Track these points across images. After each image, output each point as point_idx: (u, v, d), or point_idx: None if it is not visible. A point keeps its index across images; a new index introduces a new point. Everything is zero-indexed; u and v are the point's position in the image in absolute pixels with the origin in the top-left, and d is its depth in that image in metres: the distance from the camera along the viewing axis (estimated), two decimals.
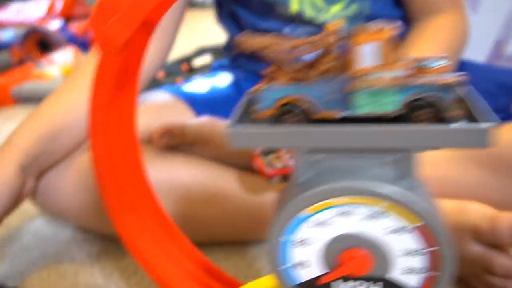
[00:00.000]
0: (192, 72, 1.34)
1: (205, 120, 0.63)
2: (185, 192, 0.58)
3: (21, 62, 1.60)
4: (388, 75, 0.22)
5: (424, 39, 0.67)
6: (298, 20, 0.67)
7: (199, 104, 0.70)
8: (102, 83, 0.29)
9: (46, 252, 0.62)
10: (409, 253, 0.23)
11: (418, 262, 0.23)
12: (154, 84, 1.05)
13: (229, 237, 0.60)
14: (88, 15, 2.63)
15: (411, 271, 0.24)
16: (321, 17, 0.66)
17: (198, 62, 1.37)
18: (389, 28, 0.22)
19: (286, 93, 0.23)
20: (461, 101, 0.23)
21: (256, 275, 0.54)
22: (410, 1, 0.72)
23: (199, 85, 0.74)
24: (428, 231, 0.23)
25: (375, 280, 0.24)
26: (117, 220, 0.36)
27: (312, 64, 0.24)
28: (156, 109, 0.68)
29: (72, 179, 0.60)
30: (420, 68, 0.23)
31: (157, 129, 0.61)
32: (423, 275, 0.24)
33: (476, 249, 0.47)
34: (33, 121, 0.58)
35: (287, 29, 0.68)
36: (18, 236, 0.68)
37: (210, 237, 0.57)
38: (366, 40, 0.22)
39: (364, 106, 0.22)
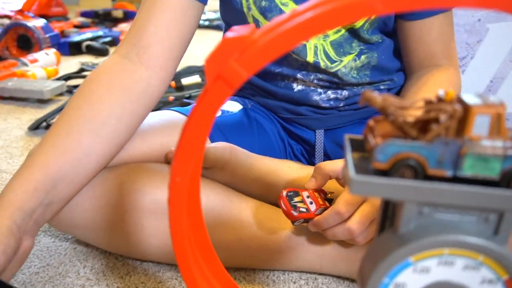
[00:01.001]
0: (180, 89, 1.35)
1: (224, 145, 0.63)
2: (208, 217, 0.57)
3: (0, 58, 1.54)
4: (495, 144, 0.24)
5: (426, 93, 0.68)
6: (312, 68, 0.70)
7: (212, 127, 0.69)
8: (209, 112, 0.29)
9: (48, 263, 0.60)
10: None
11: None
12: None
13: (240, 263, 0.60)
14: (65, 16, 2.57)
15: None
16: (335, 67, 0.69)
17: (187, 80, 1.38)
18: (501, 105, 0.24)
19: (403, 149, 0.25)
20: None
21: None
22: (410, 56, 0.73)
23: None
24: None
25: None
26: (177, 248, 0.36)
27: (416, 124, 0.26)
28: (172, 129, 0.67)
29: (89, 197, 0.58)
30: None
31: (173, 151, 0.60)
32: None
33: None
34: (26, 172, 0.52)
35: (300, 75, 0.71)
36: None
37: (222, 261, 0.56)
38: (481, 111, 0.24)
39: (471, 169, 0.25)
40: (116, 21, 2.60)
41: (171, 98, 1.20)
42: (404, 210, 0.25)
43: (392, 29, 0.72)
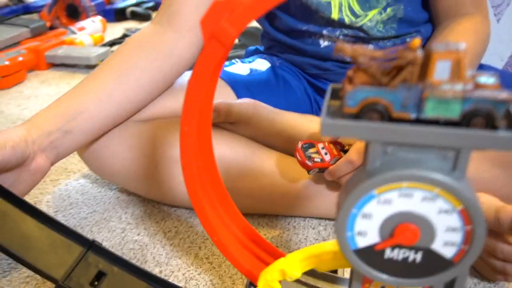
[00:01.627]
0: None
1: (248, 102, 0.67)
2: (227, 166, 0.62)
3: (51, 27, 1.64)
4: (455, 88, 0.27)
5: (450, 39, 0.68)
6: (337, 24, 0.71)
7: (240, 86, 0.73)
8: (206, 69, 0.33)
9: (95, 210, 0.67)
10: (450, 229, 0.28)
11: (456, 237, 0.28)
12: None
13: (263, 210, 0.65)
14: None
15: (449, 244, 0.29)
16: (360, 22, 0.70)
17: None
18: (461, 50, 0.26)
19: (370, 94, 0.27)
20: (508, 113, 0.28)
21: (290, 244, 0.60)
22: (437, 5, 0.73)
23: (239, 68, 0.77)
24: (467, 213, 0.28)
25: (418, 249, 0.29)
26: (194, 198, 0.41)
27: (391, 72, 0.29)
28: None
29: (126, 146, 0.64)
30: (478, 83, 0.28)
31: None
32: (457, 248, 0.29)
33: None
34: (52, 105, 0.57)
35: (326, 31, 0.72)
36: (67, 193, 0.73)
37: (246, 208, 0.60)
38: (442, 57, 0.26)
39: (433, 111, 0.27)
40: None
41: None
42: (370, 149, 0.28)
43: None
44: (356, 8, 0.71)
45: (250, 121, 0.66)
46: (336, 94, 0.31)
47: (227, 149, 0.63)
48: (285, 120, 0.67)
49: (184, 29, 0.64)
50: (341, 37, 0.73)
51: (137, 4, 2.06)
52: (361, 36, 0.72)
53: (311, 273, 0.45)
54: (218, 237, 0.43)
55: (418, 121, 0.27)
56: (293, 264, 0.37)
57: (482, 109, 0.27)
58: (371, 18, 0.71)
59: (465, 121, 0.27)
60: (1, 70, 1.19)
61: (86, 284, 0.42)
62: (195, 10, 0.65)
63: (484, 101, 0.26)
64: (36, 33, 1.48)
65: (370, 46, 0.71)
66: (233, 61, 0.80)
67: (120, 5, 2.00)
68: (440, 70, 0.27)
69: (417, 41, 0.28)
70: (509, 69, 0.95)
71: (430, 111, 0.27)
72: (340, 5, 0.70)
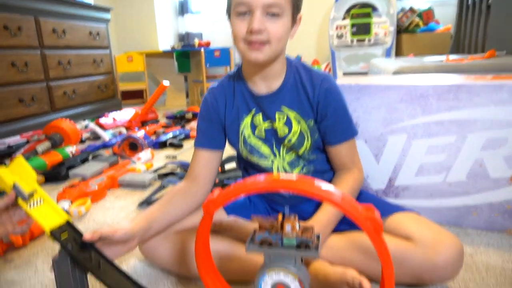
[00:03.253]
0: (224, 173, 1.60)
1: (234, 218, 0.90)
2: (221, 255, 0.83)
3: (119, 158, 1.90)
4: (293, 235, 0.56)
5: (338, 185, 0.87)
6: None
7: (229, 207, 0.95)
8: (204, 224, 0.63)
9: (148, 280, 0.89)
10: (296, 286, 0.55)
11: None
12: None
13: (241, 279, 0.83)
14: (156, 119, 3.03)
15: None
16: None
17: (228, 166, 1.62)
18: (295, 219, 0.56)
19: (266, 237, 0.56)
20: (316, 241, 0.56)
21: None
22: (332, 163, 0.92)
23: None
24: (301, 281, 0.55)
25: None
26: (205, 281, 0.67)
27: (271, 228, 0.58)
28: None
29: (169, 247, 0.85)
30: (303, 230, 0.57)
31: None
32: None
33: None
34: (144, 214, 0.83)
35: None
36: (134, 267, 0.95)
37: (231, 278, 0.76)
38: (288, 223, 0.56)
39: (286, 242, 0.56)
40: (188, 121, 3.04)
41: (217, 180, 1.51)
42: (265, 256, 0.57)
43: (322, 148, 0.92)
44: (287, 168, 0.92)
45: (233, 228, 0.88)
46: (253, 235, 0.60)
47: (221, 245, 0.85)
48: (253, 227, 0.91)
49: (200, 184, 0.92)
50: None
51: (173, 137, 2.38)
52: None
53: None
54: None
55: (282, 246, 0.56)
56: None
57: (303, 242, 0.55)
58: (297, 172, 0.91)
59: (298, 246, 0.56)
60: (93, 192, 1.41)
61: None
62: (205, 175, 0.93)
63: (304, 239, 0.55)
64: (112, 165, 1.71)
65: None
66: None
67: (162, 138, 2.26)
68: (288, 228, 0.56)
69: (280, 218, 0.58)
70: (387, 189, 1.16)
71: (285, 242, 0.56)
72: (278, 168, 0.91)
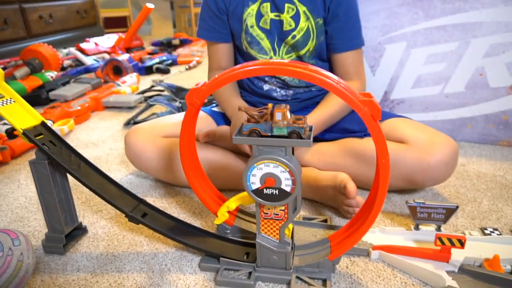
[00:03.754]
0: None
1: (223, 127, 0.86)
2: (211, 163, 0.81)
3: (104, 82, 1.85)
4: (284, 123, 0.51)
5: (330, 98, 0.84)
6: (272, 76, 0.89)
7: (218, 118, 0.92)
8: (188, 116, 0.58)
9: (137, 192, 0.89)
10: (286, 179, 0.51)
11: (289, 182, 0.50)
12: None
13: (230, 186, 0.83)
14: (142, 46, 2.88)
15: (287, 185, 0.51)
16: (284, 77, 0.87)
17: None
18: (286, 107, 0.51)
19: (252, 126, 0.52)
20: (308, 131, 0.52)
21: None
22: (335, 73, 0.85)
23: (218, 108, 0.96)
24: (291, 172, 0.51)
25: (276, 188, 0.52)
26: (188, 176, 0.63)
27: (261, 117, 0.53)
28: (199, 119, 0.84)
29: (156, 152, 0.82)
30: (295, 119, 0.52)
31: (201, 133, 0.83)
32: (291, 186, 0.51)
33: (334, 192, 0.73)
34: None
35: (267, 78, 0.89)
36: (121, 181, 0.94)
37: (221, 185, 0.77)
38: (278, 111, 0.51)
39: (276, 131, 0.51)
40: (175, 47, 2.90)
41: (205, 100, 1.47)
42: (254, 148, 0.53)
43: (325, 57, 0.87)
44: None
45: (224, 138, 0.85)
46: (240, 127, 0.55)
47: (211, 154, 0.82)
48: None
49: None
50: (274, 82, 0.89)
51: (160, 62, 2.27)
52: (285, 84, 0.88)
53: (244, 212, 0.69)
54: (202, 197, 0.65)
55: (272, 136, 0.52)
56: (230, 203, 0.61)
57: (295, 131, 0.51)
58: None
59: (289, 135, 0.51)
60: (76, 112, 1.36)
61: (139, 216, 0.63)
62: (230, 63, 0.91)
63: (295, 128, 0.51)
64: (95, 87, 1.64)
65: (290, 91, 0.92)
66: (214, 104, 1.00)
67: (148, 64, 2.20)
68: (278, 116, 0.51)
69: (270, 105, 0.53)
70: (382, 103, 1.13)
71: (275, 131, 0.52)
72: None
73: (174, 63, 2.35)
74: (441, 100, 1.08)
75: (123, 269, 0.64)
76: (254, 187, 0.53)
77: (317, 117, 0.81)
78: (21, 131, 0.62)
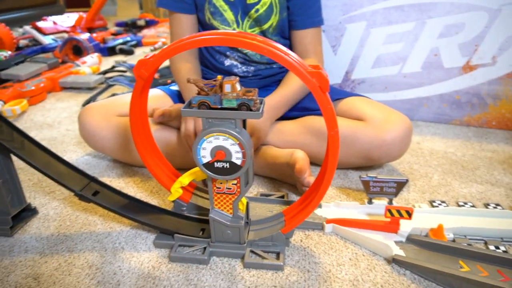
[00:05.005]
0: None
1: (179, 105, 0.85)
2: (166, 142, 0.79)
3: (62, 62, 1.77)
4: (233, 94, 0.50)
5: (291, 77, 0.83)
6: (235, 49, 0.86)
7: (175, 96, 0.89)
8: (137, 90, 0.55)
9: (93, 172, 0.86)
10: (237, 152, 0.50)
11: (239, 155, 0.50)
12: (153, 82, 1.24)
13: (188, 165, 0.73)
14: (105, 27, 2.76)
15: (238, 158, 0.50)
16: (246, 50, 0.86)
17: None
18: (235, 79, 0.50)
19: (201, 98, 0.50)
20: (258, 104, 0.51)
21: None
22: (295, 50, 0.86)
23: (175, 87, 0.93)
24: (241, 145, 0.50)
25: (226, 161, 0.51)
26: (141, 153, 0.61)
27: (211, 90, 0.52)
28: (156, 98, 0.87)
29: (111, 131, 0.79)
30: (246, 93, 0.51)
31: (155, 111, 0.79)
32: (241, 159, 0.50)
33: (290, 170, 0.72)
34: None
35: (228, 53, 0.87)
36: (76, 163, 0.91)
37: (179, 164, 0.75)
38: (227, 83, 0.50)
39: (226, 103, 0.50)
40: (141, 28, 2.80)
41: (169, 81, 1.42)
42: (203, 120, 0.51)
43: (287, 34, 0.87)
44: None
45: (178, 117, 0.81)
46: (190, 100, 0.53)
47: (167, 133, 0.80)
48: None
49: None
50: (236, 57, 0.86)
51: (123, 43, 2.18)
52: (247, 59, 0.86)
53: (200, 189, 0.68)
54: (155, 173, 0.64)
55: (221, 108, 0.51)
56: (184, 178, 0.60)
57: (245, 103, 0.50)
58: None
59: (238, 107, 0.50)
60: (30, 93, 1.29)
61: (90, 195, 0.61)
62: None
63: (245, 100, 0.50)
64: (52, 67, 1.56)
65: (252, 67, 0.90)
66: (172, 83, 0.97)
67: (111, 44, 2.11)
68: (227, 88, 0.50)
69: (219, 77, 0.51)
70: (344, 83, 1.13)
71: (225, 103, 0.50)
72: None
73: (139, 44, 2.27)
74: (399, 80, 1.10)
75: (74, 249, 0.62)
76: (204, 160, 0.52)
77: (280, 96, 0.81)
78: None
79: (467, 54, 1.01)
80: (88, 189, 0.63)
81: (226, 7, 0.84)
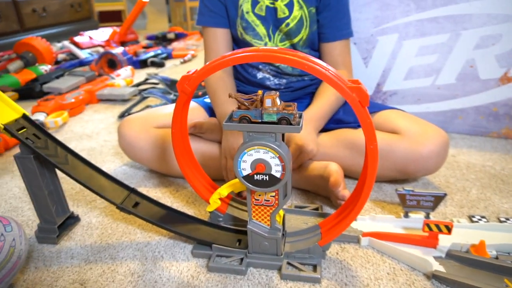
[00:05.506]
0: None
1: (212, 120, 0.86)
2: (202, 153, 0.82)
3: (98, 75, 1.84)
4: (273, 109, 0.52)
5: (325, 88, 0.85)
6: (267, 63, 0.88)
7: (208, 109, 0.92)
8: (179, 104, 0.58)
9: (130, 182, 0.89)
10: (277, 165, 0.51)
11: (279, 168, 0.51)
12: None
13: (218, 176, 0.81)
14: (136, 40, 2.86)
15: (277, 171, 0.51)
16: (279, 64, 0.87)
17: None
18: (275, 94, 0.51)
19: (242, 113, 0.52)
20: (298, 118, 0.52)
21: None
22: (324, 60, 0.81)
23: (208, 100, 0.95)
24: (281, 158, 0.51)
25: (266, 174, 0.52)
26: (181, 164, 0.63)
27: (251, 104, 0.54)
28: (192, 111, 0.87)
29: (148, 142, 0.82)
30: (284, 106, 0.53)
31: (190, 124, 0.82)
32: (281, 172, 0.51)
33: (324, 182, 0.73)
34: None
35: (261, 66, 0.89)
36: (115, 173, 0.94)
37: (214, 175, 0.76)
38: (268, 97, 0.51)
39: (266, 118, 0.52)
40: (170, 41, 2.88)
41: (200, 93, 1.46)
42: (244, 134, 0.53)
43: (317, 46, 0.88)
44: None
45: (212, 131, 0.84)
46: (231, 114, 0.55)
47: (202, 146, 0.83)
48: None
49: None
50: (268, 70, 0.88)
51: (154, 56, 2.26)
52: (279, 71, 0.88)
53: (236, 201, 0.69)
54: (194, 185, 0.65)
55: (262, 122, 0.52)
56: (222, 190, 0.62)
57: (285, 117, 0.51)
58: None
59: (279, 121, 0.52)
60: (70, 105, 1.35)
61: (130, 207, 0.64)
62: (221, 52, 0.88)
63: (285, 114, 0.51)
64: (89, 80, 1.63)
65: (284, 80, 0.92)
66: (205, 95, 0.99)
67: (143, 57, 2.17)
68: (268, 102, 0.51)
69: (260, 92, 0.53)
70: (376, 95, 1.13)
71: (265, 118, 0.52)
72: None
73: (169, 56, 2.34)
74: (432, 92, 1.08)
75: (116, 256, 0.64)
76: (244, 173, 0.54)
77: (319, 108, 0.81)
78: (2, 126, 0.60)
79: (505, 65, 0.99)
80: (128, 201, 0.65)
81: (258, 22, 0.86)
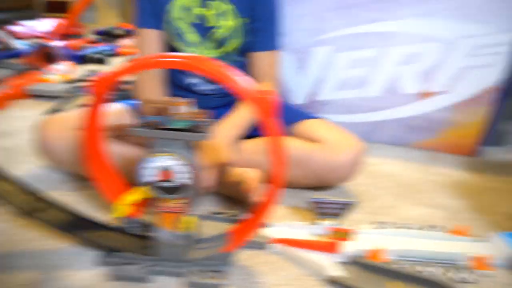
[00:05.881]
0: None
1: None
2: (124, 158, 0.77)
3: (30, 68, 1.69)
4: (183, 116, 0.51)
5: None
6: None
7: (134, 111, 0.89)
8: (93, 104, 0.56)
9: (46, 186, 0.82)
10: (185, 172, 0.51)
11: (187, 175, 0.51)
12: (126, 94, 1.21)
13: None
14: (80, 34, 2.72)
15: (186, 177, 0.51)
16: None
17: None
18: (188, 101, 0.51)
19: (152, 119, 0.51)
20: (207, 126, 0.53)
21: None
22: (252, 71, 0.88)
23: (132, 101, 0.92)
24: (189, 165, 0.52)
25: (174, 181, 0.52)
26: (90, 167, 0.62)
27: (164, 110, 0.53)
28: (117, 113, 0.86)
29: (66, 142, 0.78)
30: (196, 113, 0.53)
31: (112, 126, 0.79)
32: (190, 179, 0.52)
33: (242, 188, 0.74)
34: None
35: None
36: (28, 175, 0.89)
37: (127, 177, 0.69)
38: (179, 104, 0.51)
39: (175, 124, 0.51)
40: (118, 37, 2.77)
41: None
42: (152, 141, 0.52)
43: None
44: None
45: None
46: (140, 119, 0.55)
47: (124, 149, 0.80)
48: None
49: None
50: (198, 75, 0.87)
51: (99, 52, 2.13)
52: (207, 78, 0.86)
53: (149, 206, 0.68)
54: (102, 189, 0.64)
55: (170, 129, 0.52)
56: (129, 196, 0.60)
57: (193, 124, 0.51)
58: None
59: (188, 130, 0.51)
60: None
61: (30, 211, 0.61)
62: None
63: (194, 121, 0.51)
64: (20, 73, 1.54)
65: (212, 86, 0.88)
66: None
67: (85, 52, 2.04)
68: (178, 109, 0.51)
69: (174, 98, 0.52)
70: (309, 104, 1.16)
71: (174, 124, 0.51)
72: None
73: (113, 53, 2.25)
74: (360, 103, 1.14)
75: (12, 266, 0.60)
76: (151, 179, 0.53)
77: (239, 116, 0.83)
78: None
79: (423, 82, 1.07)
80: (33, 206, 0.62)
81: (188, 29, 0.86)
